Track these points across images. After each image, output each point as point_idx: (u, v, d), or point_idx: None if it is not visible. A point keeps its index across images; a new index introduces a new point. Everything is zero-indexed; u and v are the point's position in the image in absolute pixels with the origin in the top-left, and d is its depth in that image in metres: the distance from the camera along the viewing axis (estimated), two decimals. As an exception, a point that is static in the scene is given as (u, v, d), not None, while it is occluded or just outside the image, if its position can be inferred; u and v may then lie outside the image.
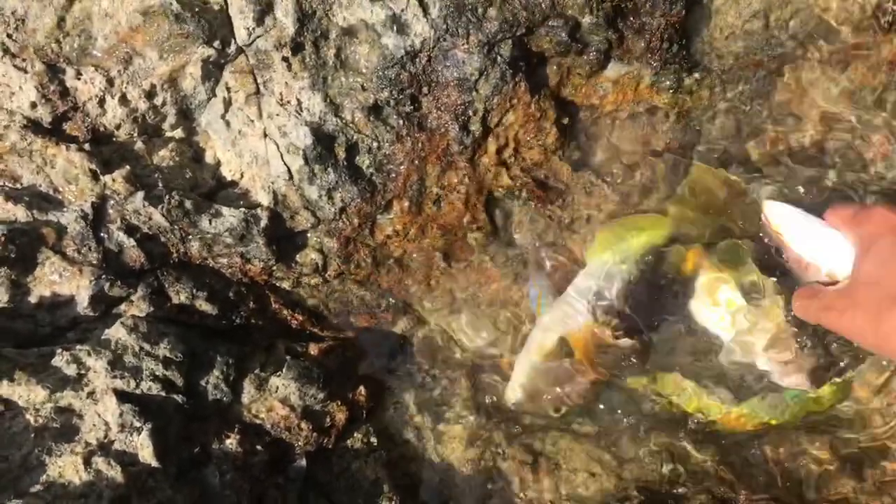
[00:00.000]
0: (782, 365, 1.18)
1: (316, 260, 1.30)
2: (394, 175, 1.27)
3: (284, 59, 1.22)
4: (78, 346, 1.12)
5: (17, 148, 1.18)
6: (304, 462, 1.21)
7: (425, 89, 1.25)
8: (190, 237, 1.23)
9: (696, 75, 1.30)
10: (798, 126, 1.30)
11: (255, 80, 1.24)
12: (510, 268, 1.37)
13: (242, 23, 1.21)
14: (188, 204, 1.21)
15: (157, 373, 1.13)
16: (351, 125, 1.25)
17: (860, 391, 1.24)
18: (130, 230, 1.21)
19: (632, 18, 1.26)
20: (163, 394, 1.13)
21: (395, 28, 1.21)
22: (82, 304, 1.18)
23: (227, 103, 1.25)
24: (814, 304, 1.03)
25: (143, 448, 1.08)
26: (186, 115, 1.26)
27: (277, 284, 1.32)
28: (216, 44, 1.21)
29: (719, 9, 1.31)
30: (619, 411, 1.34)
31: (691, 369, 1.25)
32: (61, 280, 1.18)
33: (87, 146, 1.21)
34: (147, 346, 1.14)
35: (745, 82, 1.30)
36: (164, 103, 1.23)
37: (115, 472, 1.04)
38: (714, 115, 1.31)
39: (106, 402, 1.10)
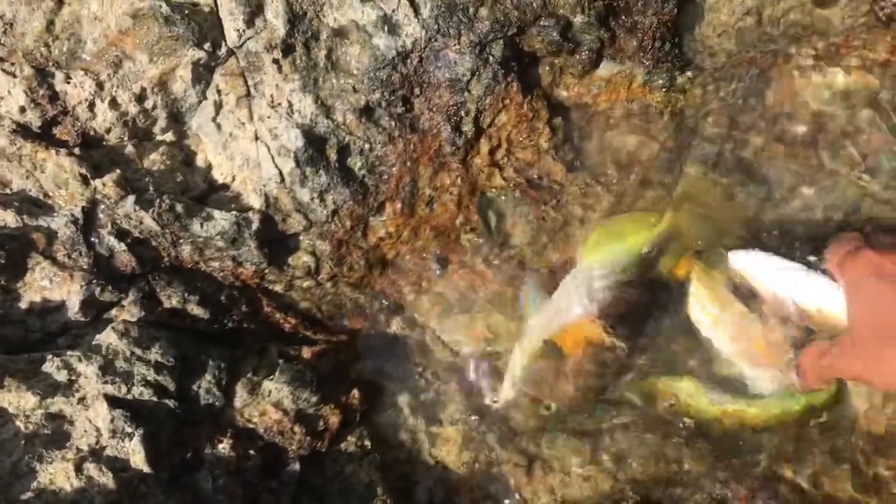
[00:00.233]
0: (763, 370, 1.17)
1: (308, 263, 1.29)
2: (386, 177, 1.27)
3: (275, 60, 1.22)
4: (69, 352, 1.12)
5: (6, 153, 1.18)
6: (297, 466, 1.20)
7: (417, 90, 1.24)
8: (181, 241, 1.22)
9: (689, 73, 1.29)
10: (791, 123, 1.29)
11: (246, 82, 1.23)
12: (504, 268, 1.36)
13: (232, 25, 1.20)
14: (179, 207, 1.20)
15: (148, 378, 1.12)
16: (342, 127, 1.24)
17: (856, 393, 1.23)
18: (121, 234, 1.20)
19: (624, 17, 1.25)
20: (154, 399, 1.12)
21: (386, 29, 1.20)
22: (73, 309, 1.17)
23: (218, 106, 1.25)
24: (819, 363, 1.07)
25: (135, 454, 1.07)
26: (177, 119, 1.25)
27: (270, 287, 1.31)
28: (206, 46, 1.21)
29: (712, 7, 1.30)
30: (614, 412, 1.33)
31: (684, 371, 1.25)
32: (52, 285, 1.17)
33: (76, 150, 1.20)
34: (138, 351, 1.13)
35: (738, 80, 1.30)
36: (154, 107, 1.23)
37: (106, 479, 1.03)
38: (707, 113, 1.30)
39: (97, 407, 1.09)
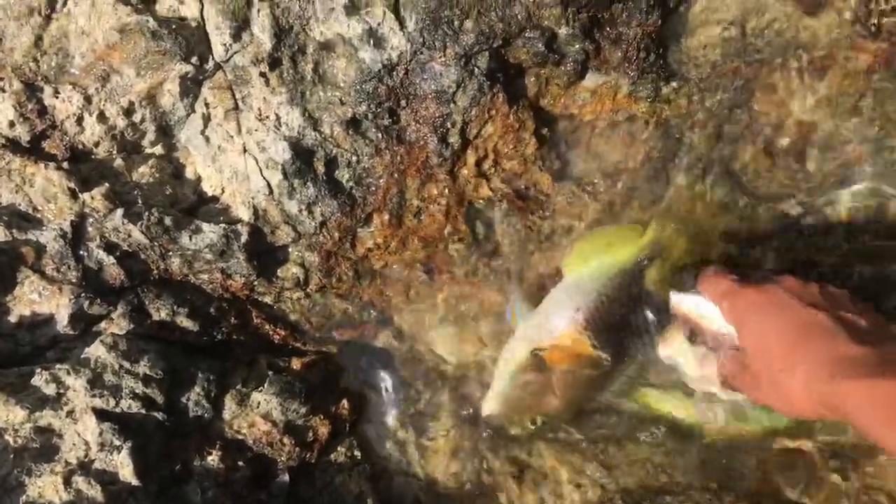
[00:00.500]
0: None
1: (297, 274, 1.30)
2: (373, 188, 1.27)
3: (262, 74, 1.22)
4: (57, 366, 1.12)
5: (-5, 167, 1.19)
6: (286, 477, 1.21)
7: (403, 102, 1.25)
8: (170, 254, 1.23)
9: (674, 84, 1.30)
10: (776, 134, 1.30)
11: (234, 95, 1.24)
12: (492, 279, 1.36)
13: (219, 39, 1.21)
14: (168, 220, 1.21)
15: (136, 390, 1.13)
16: (330, 139, 1.25)
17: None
18: (110, 248, 1.21)
19: (608, 28, 1.26)
20: (143, 411, 1.13)
21: (371, 42, 1.21)
22: (62, 322, 1.18)
23: (206, 119, 1.26)
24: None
25: (124, 466, 1.08)
26: (166, 132, 1.26)
27: (259, 299, 1.32)
28: (194, 60, 1.22)
29: (696, 18, 1.31)
30: (604, 421, 1.33)
31: (671, 384, 1.25)
32: (41, 299, 1.18)
33: (65, 164, 1.21)
34: (127, 364, 1.14)
35: (723, 91, 1.30)
36: (142, 120, 1.24)
37: (95, 492, 1.04)
38: (693, 124, 1.31)
39: (85, 420, 1.09)
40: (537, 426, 1.27)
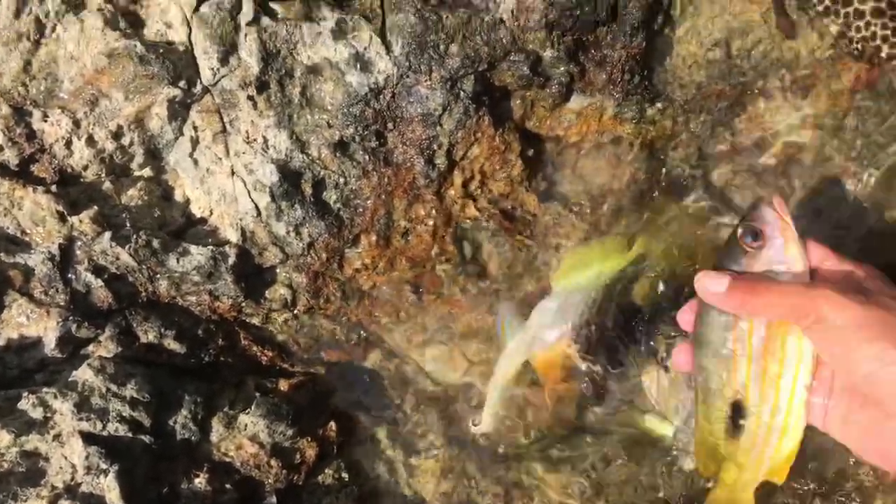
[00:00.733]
0: None
1: (285, 295, 1.30)
2: (361, 209, 1.28)
3: (250, 97, 1.23)
4: (44, 389, 1.13)
5: (-17, 191, 1.19)
6: (274, 499, 1.21)
7: (390, 125, 1.26)
8: (158, 276, 1.24)
9: (659, 105, 1.31)
10: (761, 153, 1.31)
11: (222, 118, 1.25)
12: (480, 298, 1.37)
13: (207, 63, 1.22)
14: (156, 243, 1.22)
15: (123, 414, 1.13)
16: (317, 161, 1.26)
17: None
18: (98, 271, 1.22)
19: (593, 51, 1.27)
20: (130, 434, 1.13)
21: (358, 66, 1.22)
22: (50, 345, 1.18)
23: (195, 142, 1.26)
24: None
25: (110, 490, 1.08)
26: (154, 155, 1.27)
27: (247, 321, 1.32)
28: (182, 84, 1.23)
29: (681, 39, 1.32)
30: (593, 439, 1.34)
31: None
32: (29, 322, 1.19)
33: (54, 188, 1.22)
34: (114, 387, 1.14)
35: (708, 112, 1.32)
36: (131, 143, 1.24)
37: (80, 516, 1.04)
38: (677, 145, 1.32)
39: (72, 444, 1.10)
40: (530, 440, 1.28)
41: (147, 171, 1.28)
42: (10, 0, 1.16)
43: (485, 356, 1.37)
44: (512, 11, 1.22)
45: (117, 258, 1.21)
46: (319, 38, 1.22)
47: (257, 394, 1.25)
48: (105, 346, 1.20)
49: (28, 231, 1.21)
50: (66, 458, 1.09)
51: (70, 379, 1.15)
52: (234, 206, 1.27)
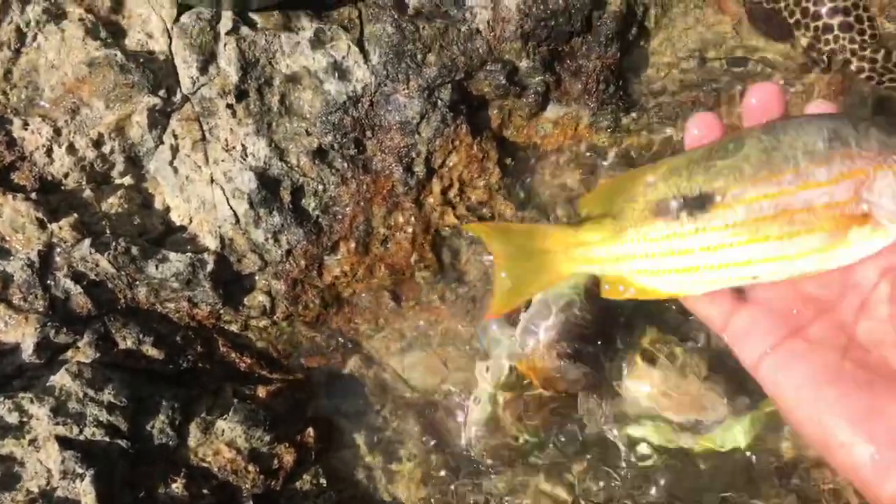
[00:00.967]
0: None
1: (264, 302, 1.31)
2: (340, 217, 1.29)
3: (229, 105, 1.25)
4: (21, 394, 1.13)
5: (-37, 198, 1.20)
6: (251, 505, 1.21)
7: (369, 133, 1.27)
8: (137, 283, 1.24)
9: (634, 114, 1.33)
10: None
11: (201, 126, 1.26)
12: (459, 305, 1.38)
13: (187, 72, 1.24)
14: (135, 250, 1.23)
15: (100, 418, 1.14)
16: (296, 169, 1.27)
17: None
18: (77, 277, 1.22)
19: (568, 61, 1.29)
20: (107, 439, 1.13)
21: (336, 75, 1.24)
22: (28, 351, 1.19)
23: (175, 150, 1.28)
24: None
25: (86, 494, 1.08)
26: (135, 163, 1.28)
27: (225, 328, 1.33)
28: (162, 93, 1.24)
29: (656, 49, 1.34)
30: (577, 446, 1.34)
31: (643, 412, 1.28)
32: (7, 328, 1.19)
33: (34, 195, 1.22)
34: (91, 392, 1.15)
35: (683, 119, 1.33)
36: (111, 151, 1.26)
37: (55, 521, 1.04)
38: (653, 153, 1.34)
39: (48, 448, 1.10)
40: (518, 444, 1.29)
41: (127, 179, 1.29)
42: (-8, 9, 1.18)
43: (464, 363, 1.38)
44: (488, 22, 1.24)
45: (97, 265, 1.22)
46: (298, 47, 1.24)
47: (235, 400, 1.25)
48: (83, 352, 1.20)
49: (7, 238, 1.22)
50: (41, 462, 1.09)
51: (48, 384, 1.15)
52: (213, 213, 1.28)
